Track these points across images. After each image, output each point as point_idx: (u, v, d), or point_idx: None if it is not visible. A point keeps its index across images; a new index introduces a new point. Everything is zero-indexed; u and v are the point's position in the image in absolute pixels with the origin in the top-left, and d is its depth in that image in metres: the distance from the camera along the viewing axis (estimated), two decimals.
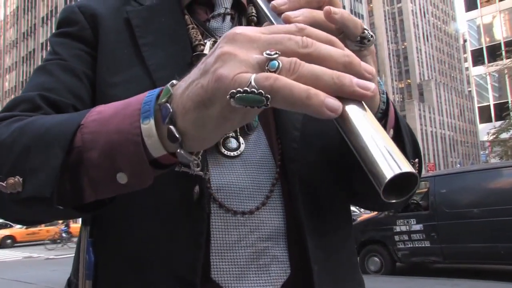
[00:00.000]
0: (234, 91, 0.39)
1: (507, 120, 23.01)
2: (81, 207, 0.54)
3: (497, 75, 28.12)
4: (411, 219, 8.18)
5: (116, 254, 0.65)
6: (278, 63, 0.40)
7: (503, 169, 8.03)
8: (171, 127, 0.44)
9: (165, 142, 0.46)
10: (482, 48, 31.82)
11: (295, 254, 0.65)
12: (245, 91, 0.38)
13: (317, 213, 0.68)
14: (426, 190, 8.82)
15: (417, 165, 0.67)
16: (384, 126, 0.60)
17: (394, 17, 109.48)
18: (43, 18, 56.77)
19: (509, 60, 22.43)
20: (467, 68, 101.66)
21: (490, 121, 28.53)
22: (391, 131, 0.63)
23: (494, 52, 27.60)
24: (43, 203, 0.50)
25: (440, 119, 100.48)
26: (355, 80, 0.40)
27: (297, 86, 0.39)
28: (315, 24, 0.47)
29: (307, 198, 0.67)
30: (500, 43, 29.90)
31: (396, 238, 8.32)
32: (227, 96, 0.40)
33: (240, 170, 0.65)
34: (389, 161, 0.37)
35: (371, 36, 0.51)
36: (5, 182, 0.51)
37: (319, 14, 0.49)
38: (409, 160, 0.64)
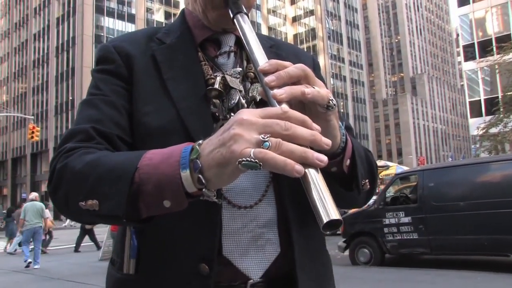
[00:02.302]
0: (241, 160, 0.61)
1: (496, 115, 23.25)
2: (137, 220, 0.75)
3: (488, 70, 28.35)
4: (400, 212, 8.39)
5: (152, 239, 0.87)
6: (269, 143, 0.61)
7: (487, 163, 8.26)
8: (200, 176, 0.66)
9: (196, 184, 0.67)
10: (473, 43, 32.06)
11: (283, 238, 0.88)
12: (247, 160, 0.60)
13: (300, 210, 0.89)
14: (415, 183, 9.03)
15: (367, 185, 0.92)
16: (342, 158, 0.86)
17: (388, 11, 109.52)
18: (35, 8, 56.19)
19: (499, 56, 22.60)
20: (459, 62, 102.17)
21: (481, 115, 28.75)
22: (348, 161, 0.87)
23: (485, 47, 27.76)
24: (114, 219, 0.72)
25: (432, 112, 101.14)
26: (315, 155, 0.62)
27: (278, 158, 0.60)
28: (295, 99, 0.71)
29: (293, 198, 0.89)
30: (491, 38, 30.14)
31: (386, 230, 8.52)
32: (237, 163, 0.61)
33: (242, 175, 0.83)
34: (323, 211, 0.61)
35: (334, 104, 0.76)
36: (84, 202, 0.73)
37: (297, 92, 0.70)
38: (360, 181, 0.89)
